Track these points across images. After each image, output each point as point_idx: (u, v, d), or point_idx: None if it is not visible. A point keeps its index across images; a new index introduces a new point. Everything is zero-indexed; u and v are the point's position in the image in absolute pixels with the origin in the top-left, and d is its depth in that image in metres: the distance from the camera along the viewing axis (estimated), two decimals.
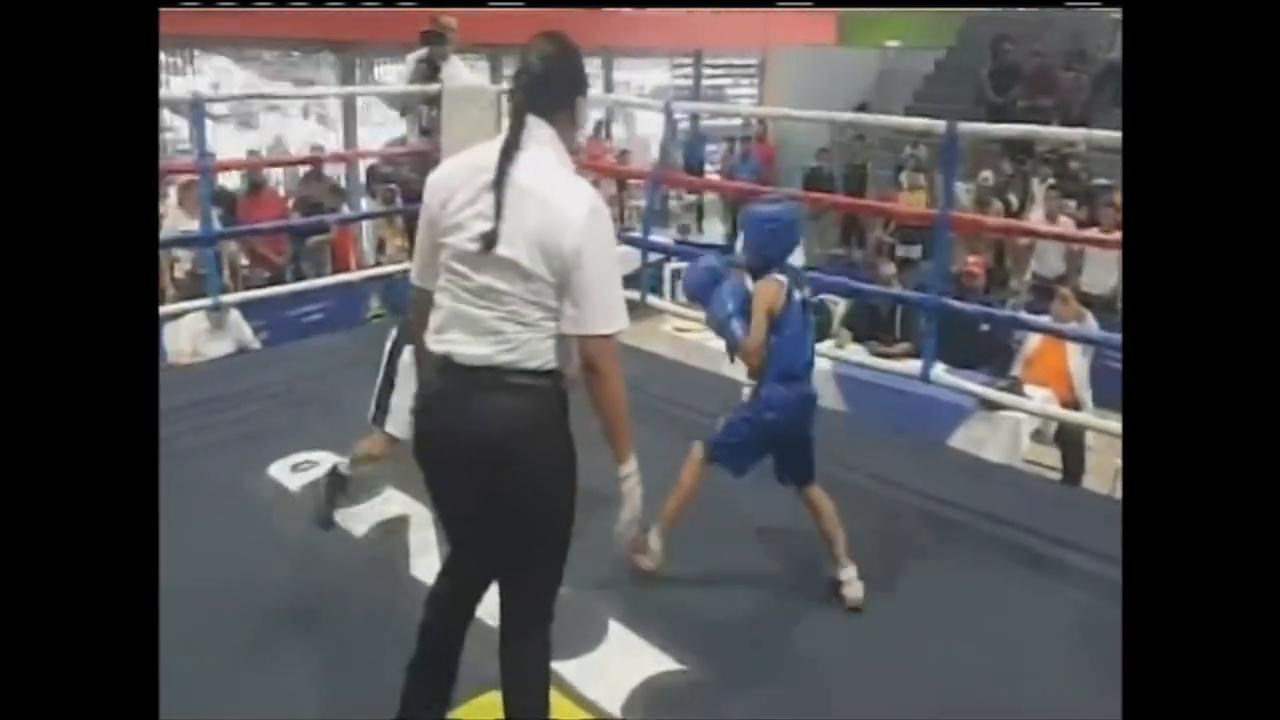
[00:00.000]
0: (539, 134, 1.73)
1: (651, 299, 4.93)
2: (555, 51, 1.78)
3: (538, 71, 1.76)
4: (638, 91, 13.80)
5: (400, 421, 2.82)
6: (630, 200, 11.34)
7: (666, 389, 4.27)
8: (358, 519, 3.07)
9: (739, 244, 2.93)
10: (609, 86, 13.76)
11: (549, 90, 1.76)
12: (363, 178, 9.72)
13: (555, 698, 2.26)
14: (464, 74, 5.27)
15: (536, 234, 1.65)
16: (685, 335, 5.43)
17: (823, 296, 5.43)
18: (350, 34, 9.67)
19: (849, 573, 2.73)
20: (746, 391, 2.78)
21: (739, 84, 16.20)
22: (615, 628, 2.56)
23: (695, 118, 11.88)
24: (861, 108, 11.50)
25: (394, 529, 3.04)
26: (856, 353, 4.75)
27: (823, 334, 5.14)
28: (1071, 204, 7.92)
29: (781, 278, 2.67)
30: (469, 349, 1.70)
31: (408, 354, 2.69)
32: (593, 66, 13.41)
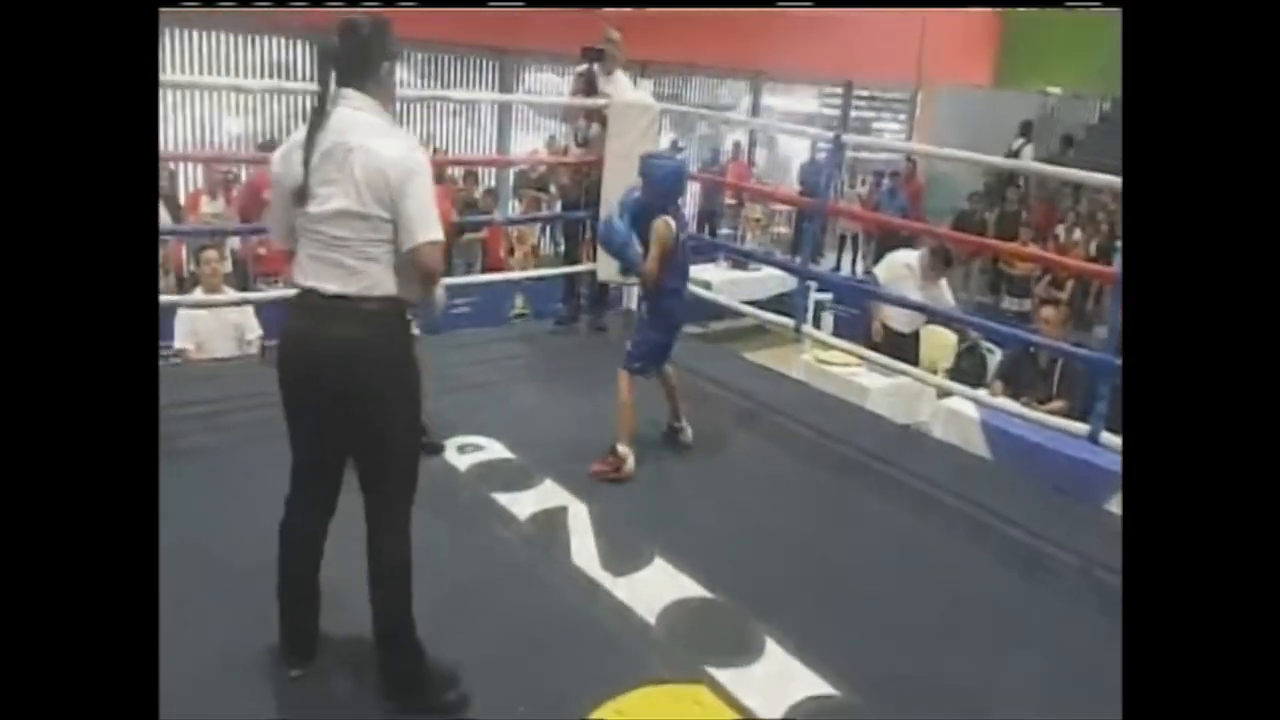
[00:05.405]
0: (352, 101, 2.03)
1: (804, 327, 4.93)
2: (350, 30, 2.05)
3: (340, 50, 2.05)
4: (782, 117, 13.81)
5: None
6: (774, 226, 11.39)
7: (803, 415, 4.28)
8: (522, 504, 3.21)
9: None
10: (756, 110, 13.83)
11: (353, 63, 2.04)
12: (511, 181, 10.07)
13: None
14: (630, 90, 5.32)
15: (366, 180, 1.95)
16: (827, 367, 5.25)
17: (980, 341, 5.33)
18: (508, 40, 10.00)
19: (683, 423, 3.76)
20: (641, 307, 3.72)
21: (883, 118, 16.06)
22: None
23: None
24: (1067, 141, 11.21)
25: (553, 516, 3.15)
26: (1007, 404, 4.60)
27: (978, 380, 5.04)
28: None
29: (671, 220, 3.46)
30: (327, 285, 2.01)
31: None
32: (742, 90, 13.72)
